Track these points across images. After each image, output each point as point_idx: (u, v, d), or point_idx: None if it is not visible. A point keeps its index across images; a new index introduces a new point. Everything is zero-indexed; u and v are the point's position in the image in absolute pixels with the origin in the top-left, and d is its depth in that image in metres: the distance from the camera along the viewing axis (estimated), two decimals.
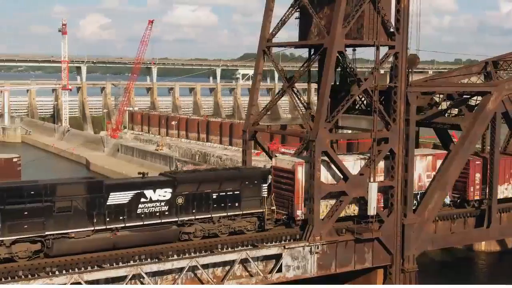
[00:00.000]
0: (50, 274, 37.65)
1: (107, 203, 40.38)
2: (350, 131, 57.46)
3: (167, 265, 40.51)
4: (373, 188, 46.41)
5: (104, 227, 40.24)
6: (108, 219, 40.30)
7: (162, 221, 42.15)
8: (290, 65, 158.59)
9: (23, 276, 36.96)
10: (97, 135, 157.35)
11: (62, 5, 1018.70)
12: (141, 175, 43.20)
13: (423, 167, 50.96)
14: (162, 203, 42.17)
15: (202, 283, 42.06)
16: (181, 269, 40.92)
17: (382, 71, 50.11)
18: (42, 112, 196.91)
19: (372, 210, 46.66)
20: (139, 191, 41.47)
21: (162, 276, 40.92)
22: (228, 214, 44.34)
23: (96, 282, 38.58)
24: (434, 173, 51.38)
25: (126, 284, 39.14)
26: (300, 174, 46.11)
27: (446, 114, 55.16)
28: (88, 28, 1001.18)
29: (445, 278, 59.64)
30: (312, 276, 45.62)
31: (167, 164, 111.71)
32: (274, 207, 46.00)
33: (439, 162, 51.65)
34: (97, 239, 40.06)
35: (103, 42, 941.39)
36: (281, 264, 44.18)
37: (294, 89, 52.06)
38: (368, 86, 46.99)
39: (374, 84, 47.11)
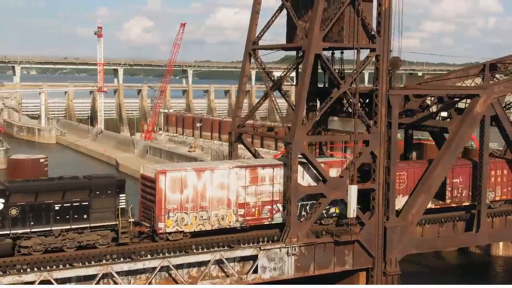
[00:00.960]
0: (22, 271, 38.47)
1: None
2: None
3: (139, 265, 40.95)
4: (353, 191, 46.32)
5: None
6: None
7: None
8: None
9: None
10: (128, 136, 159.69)
11: (106, 6, 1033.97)
12: None
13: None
14: None
15: (177, 283, 42.53)
16: (153, 269, 41.32)
17: None
18: (80, 114, 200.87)
19: (352, 213, 46.55)
20: None
21: (135, 275, 41.31)
22: (73, 227, 41.05)
23: (68, 280, 39.30)
24: None
25: (98, 283, 39.77)
26: (162, 183, 43.03)
27: (438, 117, 54.58)
28: (133, 30, 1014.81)
29: (459, 281, 58.95)
30: (289, 277, 45.69)
31: None
32: (132, 219, 42.95)
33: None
34: None
35: (148, 45, 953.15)
36: (257, 265, 44.26)
37: (281, 91, 52.39)
38: (347, 89, 46.97)
39: (354, 87, 47.09)
